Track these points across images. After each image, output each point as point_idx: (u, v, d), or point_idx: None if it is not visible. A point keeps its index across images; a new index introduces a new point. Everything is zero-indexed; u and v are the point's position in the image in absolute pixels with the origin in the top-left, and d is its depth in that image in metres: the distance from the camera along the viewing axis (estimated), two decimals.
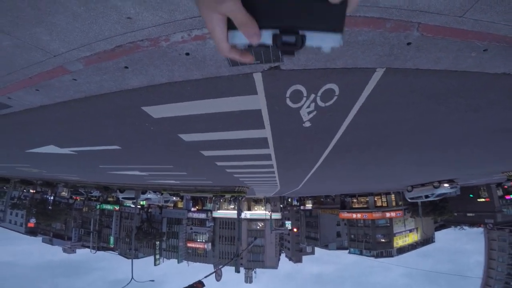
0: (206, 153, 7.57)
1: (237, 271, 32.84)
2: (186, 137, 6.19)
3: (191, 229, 30.26)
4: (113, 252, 31.71)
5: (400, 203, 33.19)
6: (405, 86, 4.03)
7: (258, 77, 3.88)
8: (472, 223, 36.56)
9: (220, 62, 3.54)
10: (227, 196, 21.82)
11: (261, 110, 4.71)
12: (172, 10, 2.64)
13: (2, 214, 30.83)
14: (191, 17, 2.74)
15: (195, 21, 2.79)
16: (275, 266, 37.39)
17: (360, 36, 3.04)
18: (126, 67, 3.92)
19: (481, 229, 39.31)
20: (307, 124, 5.25)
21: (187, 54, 3.34)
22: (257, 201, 36.38)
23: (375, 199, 33.99)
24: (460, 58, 3.34)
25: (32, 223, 30.67)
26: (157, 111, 4.87)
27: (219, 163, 9.32)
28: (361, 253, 33.76)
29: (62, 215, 30.75)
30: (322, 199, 38.18)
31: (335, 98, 4.42)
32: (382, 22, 2.83)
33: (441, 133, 6.16)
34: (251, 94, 4.18)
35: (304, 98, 4.42)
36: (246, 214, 29.49)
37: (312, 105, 4.61)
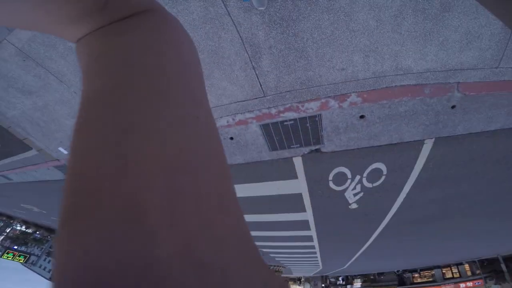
0: None
1: None
2: None
3: None
4: None
5: (477, 271, 28.58)
6: (462, 154, 3.58)
7: (298, 161, 3.75)
8: None
9: (261, 147, 3.54)
10: None
11: (301, 194, 4.46)
12: (220, 95, 2.79)
13: (36, 259, 33.03)
14: (236, 102, 2.86)
15: (238, 106, 2.90)
16: None
17: (401, 107, 2.88)
18: None
19: None
20: (354, 206, 4.83)
21: (231, 138, 3.42)
22: (294, 280, 32.62)
23: (443, 271, 29.82)
24: None
25: None
26: None
27: (255, 243, 8.83)
28: None
29: None
30: (372, 277, 33.97)
31: (383, 177, 4.07)
32: (420, 89, 2.70)
33: None
34: (291, 178, 4.02)
35: (349, 180, 4.12)
36: None
37: (358, 186, 4.26)
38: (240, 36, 2.20)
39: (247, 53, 2.33)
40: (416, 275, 31.29)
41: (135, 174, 0.14)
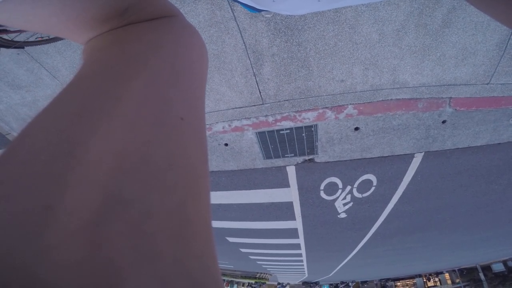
0: (232, 239, 7.18)
1: None
2: (216, 223, 5.94)
3: None
4: None
5: (457, 280, 29.55)
6: (449, 168, 3.70)
7: (291, 170, 3.74)
8: None
9: (255, 154, 3.50)
10: (246, 281, 19.88)
11: (292, 203, 4.44)
12: (218, 100, 2.72)
13: None
14: (233, 108, 2.79)
15: (235, 112, 2.84)
16: None
17: (395, 120, 2.95)
18: None
19: None
20: (343, 215, 4.88)
21: (226, 144, 3.34)
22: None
23: (424, 280, 30.67)
24: (500, 128, 3.08)
25: None
26: None
27: (243, 250, 8.73)
28: None
29: None
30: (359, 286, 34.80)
31: (373, 188, 4.14)
32: (414, 103, 2.76)
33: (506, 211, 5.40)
34: (283, 187, 3.99)
35: (340, 190, 4.16)
36: None
37: (348, 196, 4.31)
38: (244, 42, 2.16)
39: (249, 59, 2.29)
40: (399, 283, 31.98)
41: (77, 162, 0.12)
